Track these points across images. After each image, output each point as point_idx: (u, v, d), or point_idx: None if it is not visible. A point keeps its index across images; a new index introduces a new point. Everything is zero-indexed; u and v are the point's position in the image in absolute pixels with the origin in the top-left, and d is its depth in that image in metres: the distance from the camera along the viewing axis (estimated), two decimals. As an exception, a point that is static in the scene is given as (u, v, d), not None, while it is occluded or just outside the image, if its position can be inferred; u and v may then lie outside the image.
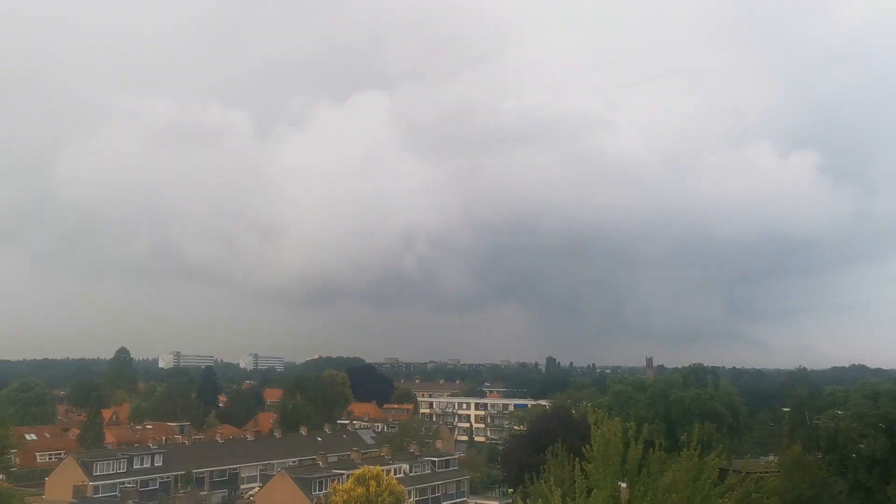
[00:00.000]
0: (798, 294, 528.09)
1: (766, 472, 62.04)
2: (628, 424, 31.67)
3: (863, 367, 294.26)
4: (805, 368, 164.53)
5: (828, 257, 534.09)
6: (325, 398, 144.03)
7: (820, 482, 66.53)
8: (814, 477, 66.41)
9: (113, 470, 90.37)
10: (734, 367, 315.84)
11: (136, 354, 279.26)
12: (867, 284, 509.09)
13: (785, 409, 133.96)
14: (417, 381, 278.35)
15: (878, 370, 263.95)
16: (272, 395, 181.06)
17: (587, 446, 30.80)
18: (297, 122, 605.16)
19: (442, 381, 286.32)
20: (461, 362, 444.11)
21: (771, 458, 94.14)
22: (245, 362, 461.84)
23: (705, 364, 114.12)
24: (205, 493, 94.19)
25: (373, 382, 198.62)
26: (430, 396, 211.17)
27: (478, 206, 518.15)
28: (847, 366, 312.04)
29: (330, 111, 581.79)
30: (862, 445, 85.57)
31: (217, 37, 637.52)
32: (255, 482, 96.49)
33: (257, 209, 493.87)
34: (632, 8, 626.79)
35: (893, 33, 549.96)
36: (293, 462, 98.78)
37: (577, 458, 31.00)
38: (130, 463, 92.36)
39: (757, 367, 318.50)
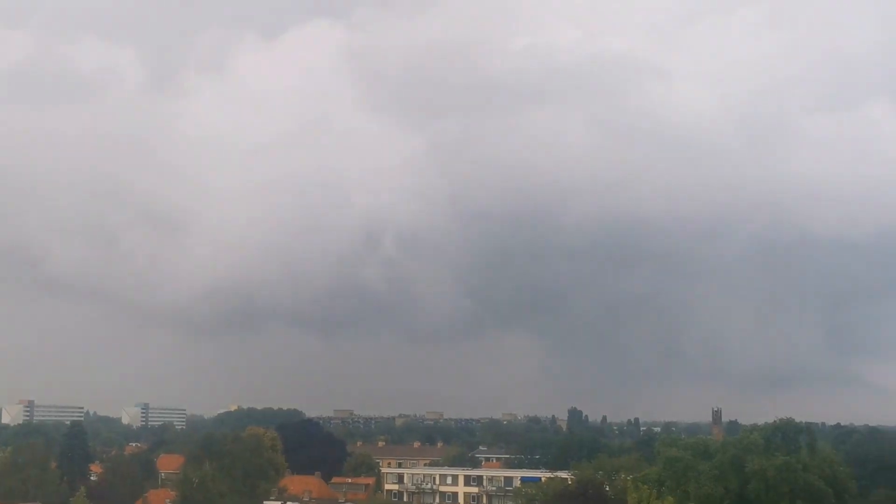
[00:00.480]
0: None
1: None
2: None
3: None
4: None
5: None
6: (247, 468, 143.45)
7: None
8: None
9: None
10: (838, 424, 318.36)
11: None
12: None
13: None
14: (381, 444, 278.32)
15: None
16: (169, 464, 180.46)
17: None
18: (210, 66, 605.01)
19: (417, 444, 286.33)
20: (445, 416, 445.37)
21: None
22: (130, 416, 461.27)
23: (798, 419, 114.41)
24: None
25: (317, 445, 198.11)
26: (400, 466, 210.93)
27: (472, 189, 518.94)
28: None
29: (257, 51, 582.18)
30: None
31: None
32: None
33: (151, 193, 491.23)
34: None
35: None
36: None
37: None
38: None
39: (872, 424, 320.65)
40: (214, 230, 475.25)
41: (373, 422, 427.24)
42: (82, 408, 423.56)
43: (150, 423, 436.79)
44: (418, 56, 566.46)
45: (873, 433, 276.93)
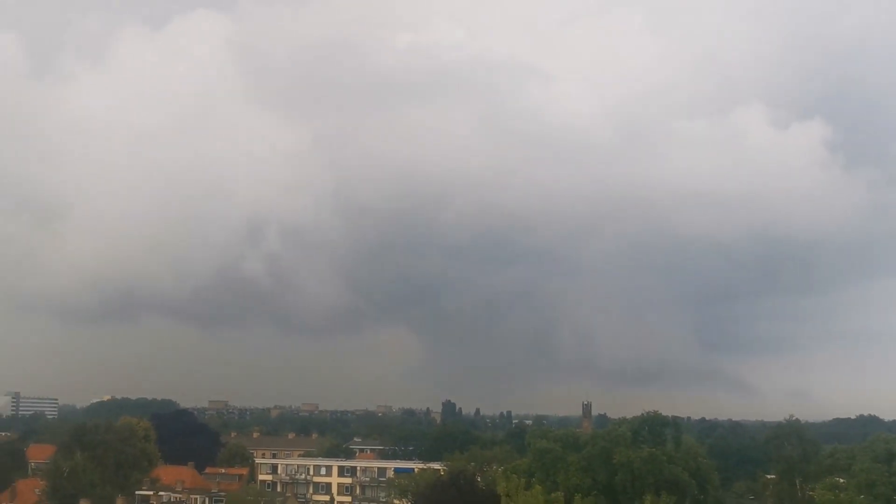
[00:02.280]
0: (794, 318, 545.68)
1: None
2: (554, 495, 32.17)
3: (874, 420, 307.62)
4: (798, 420, 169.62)
5: (836, 267, 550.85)
6: (119, 458, 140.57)
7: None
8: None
9: None
10: (703, 418, 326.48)
11: None
12: (884, 306, 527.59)
13: (770, 476, 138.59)
14: (256, 435, 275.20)
15: (895, 424, 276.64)
16: (39, 454, 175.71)
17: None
18: (92, 53, 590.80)
19: (291, 435, 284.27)
20: (320, 408, 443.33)
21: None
22: (0, 405, 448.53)
23: (664, 413, 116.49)
24: None
25: (190, 436, 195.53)
26: (275, 457, 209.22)
27: (354, 184, 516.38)
28: (854, 417, 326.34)
29: (140, 40, 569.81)
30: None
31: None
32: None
33: (29, 180, 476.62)
34: None
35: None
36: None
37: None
38: None
39: (735, 419, 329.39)
40: (95, 219, 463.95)
41: (248, 413, 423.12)
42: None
43: (20, 412, 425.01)
44: (304, 50, 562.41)
45: (736, 427, 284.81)
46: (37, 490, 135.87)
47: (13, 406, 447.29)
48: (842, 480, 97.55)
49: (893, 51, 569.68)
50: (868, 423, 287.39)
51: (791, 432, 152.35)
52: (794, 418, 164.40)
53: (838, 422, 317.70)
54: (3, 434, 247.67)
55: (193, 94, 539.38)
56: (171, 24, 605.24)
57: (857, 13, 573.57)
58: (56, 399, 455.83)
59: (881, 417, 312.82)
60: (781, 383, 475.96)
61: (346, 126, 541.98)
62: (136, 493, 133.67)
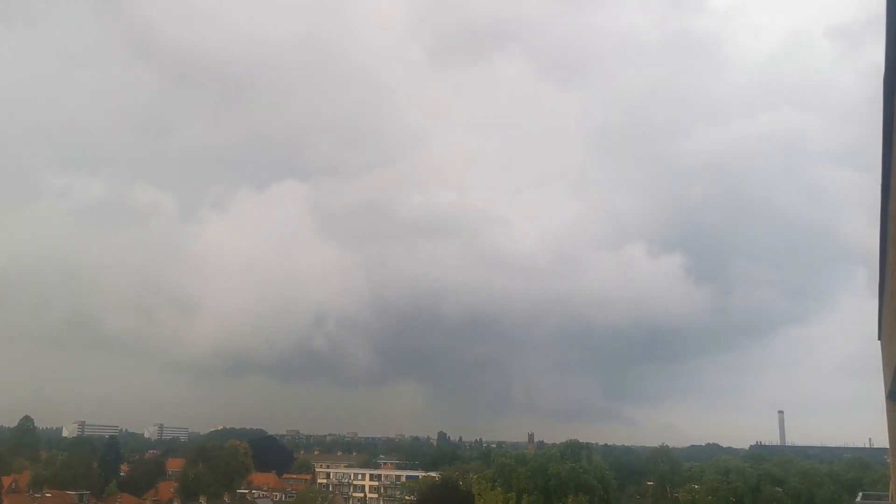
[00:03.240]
0: (664, 378, 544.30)
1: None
2: (509, 495, 31.51)
3: (716, 446, 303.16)
4: (667, 446, 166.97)
5: (690, 346, 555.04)
6: (227, 468, 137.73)
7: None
8: (674, 545, 67.44)
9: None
10: (606, 444, 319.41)
11: (41, 423, 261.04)
12: (722, 371, 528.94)
13: (649, 483, 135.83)
14: (316, 453, 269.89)
15: (730, 448, 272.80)
16: (175, 465, 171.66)
17: (472, 515, 30.39)
18: (220, 206, 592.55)
19: (339, 453, 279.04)
20: (358, 435, 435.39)
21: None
22: (150, 432, 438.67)
23: (581, 440, 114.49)
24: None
25: (274, 453, 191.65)
26: (328, 467, 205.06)
27: (385, 289, 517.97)
28: (703, 444, 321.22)
29: (251, 197, 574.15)
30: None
31: (149, 123, 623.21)
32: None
33: (177, 285, 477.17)
34: (526, 120, 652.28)
35: (742, 159, 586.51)
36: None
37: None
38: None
39: (626, 445, 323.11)
40: (217, 310, 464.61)
41: (311, 437, 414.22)
42: (117, 426, 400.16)
43: (163, 437, 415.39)
44: (354, 205, 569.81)
45: (627, 450, 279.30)
46: (172, 489, 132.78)
47: (159, 433, 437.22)
48: (696, 486, 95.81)
49: (724, 210, 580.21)
50: (713, 449, 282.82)
51: (662, 454, 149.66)
52: (664, 444, 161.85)
53: (693, 447, 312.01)
54: (151, 452, 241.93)
55: (283, 233, 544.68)
56: (270, 188, 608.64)
57: (700, 186, 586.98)
58: (187, 428, 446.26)
59: (721, 444, 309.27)
60: (656, 420, 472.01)
61: (380, 253, 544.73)
62: (237, 491, 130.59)
